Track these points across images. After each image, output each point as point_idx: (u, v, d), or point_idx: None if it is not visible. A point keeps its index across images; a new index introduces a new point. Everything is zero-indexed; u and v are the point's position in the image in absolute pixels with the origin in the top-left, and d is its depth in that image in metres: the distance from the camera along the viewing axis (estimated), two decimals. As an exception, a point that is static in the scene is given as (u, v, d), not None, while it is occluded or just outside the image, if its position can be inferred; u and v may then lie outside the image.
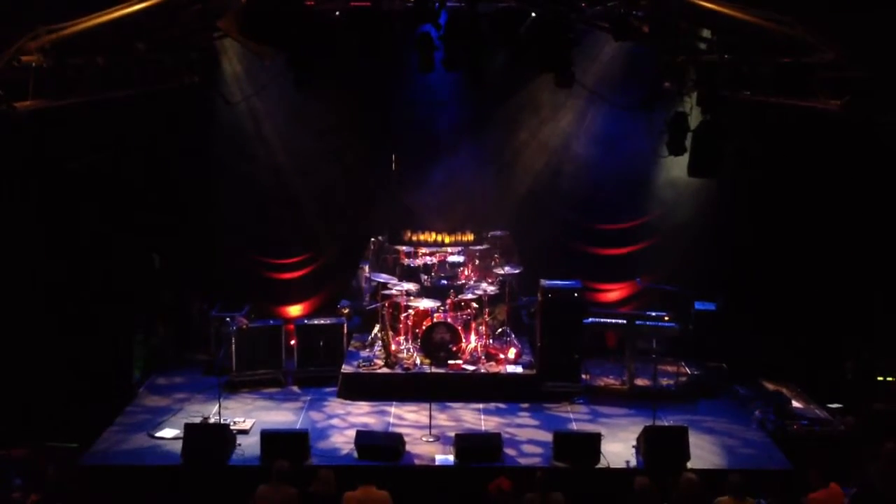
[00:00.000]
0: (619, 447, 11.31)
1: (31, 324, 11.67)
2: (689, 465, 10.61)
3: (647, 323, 13.35)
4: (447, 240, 15.07)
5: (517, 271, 14.32)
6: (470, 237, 15.16)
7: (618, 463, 10.80)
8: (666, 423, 11.84)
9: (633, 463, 10.87)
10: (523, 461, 11.05)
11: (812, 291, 13.00)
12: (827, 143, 11.55)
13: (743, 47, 9.83)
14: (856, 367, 12.47)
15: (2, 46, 8.09)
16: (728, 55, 10.29)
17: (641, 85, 12.36)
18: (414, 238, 15.06)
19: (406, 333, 13.76)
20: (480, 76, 11.08)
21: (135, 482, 10.32)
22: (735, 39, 9.91)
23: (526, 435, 11.85)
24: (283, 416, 12.40)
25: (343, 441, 11.51)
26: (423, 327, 13.44)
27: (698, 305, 13.95)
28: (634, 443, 11.30)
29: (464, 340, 13.48)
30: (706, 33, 10.67)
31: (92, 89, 9.58)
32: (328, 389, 13.26)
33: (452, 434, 11.35)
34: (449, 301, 13.75)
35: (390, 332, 13.66)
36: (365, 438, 11.19)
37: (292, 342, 13.78)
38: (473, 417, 12.43)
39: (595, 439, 11.06)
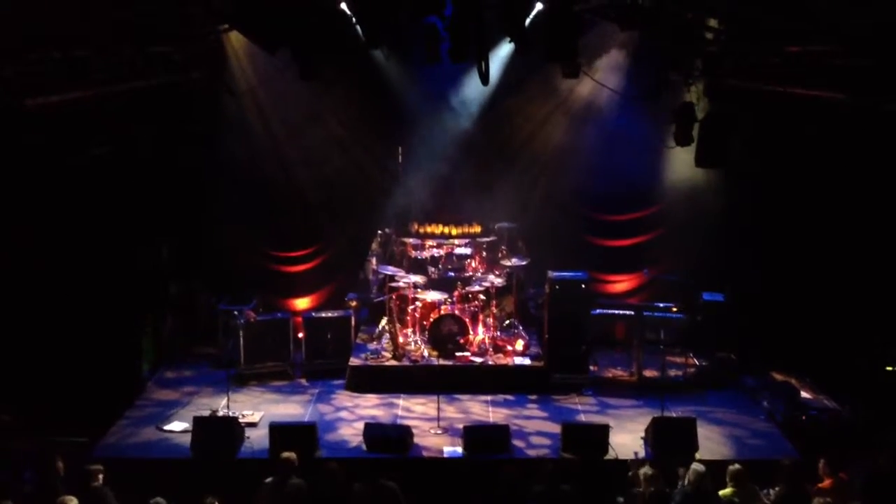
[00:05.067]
0: (628, 438, 11.30)
1: (39, 318, 11.69)
2: (698, 455, 10.59)
3: (655, 314, 13.35)
4: (454, 232, 15.06)
5: (524, 263, 14.31)
6: (477, 229, 15.14)
7: (626, 454, 10.79)
8: (674, 415, 11.83)
9: (642, 454, 10.85)
10: (532, 453, 11.05)
11: (820, 281, 12.96)
12: (835, 132, 11.49)
13: (749, 37, 9.80)
14: (870, 361, 12.43)
15: (7, 46, 8.09)
16: (734, 45, 10.25)
17: (648, 75, 12.33)
18: (421, 230, 15.05)
19: (414, 326, 13.75)
20: (486, 67, 11.06)
21: (144, 475, 10.34)
22: (741, 29, 9.88)
23: (534, 426, 11.85)
24: (291, 408, 12.42)
25: (351, 433, 11.52)
26: (431, 319, 13.43)
27: (706, 296, 13.90)
28: (643, 434, 11.29)
29: (471, 332, 13.47)
30: (713, 23, 10.63)
31: (98, 83, 9.58)
32: (336, 382, 13.27)
33: (461, 426, 11.35)
34: (456, 293, 13.74)
35: (398, 325, 13.66)
36: (373, 431, 11.20)
37: (300, 335, 13.81)
38: (481, 409, 12.43)
39: (603, 431, 11.07)
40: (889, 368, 12.33)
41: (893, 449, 9.76)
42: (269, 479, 9.12)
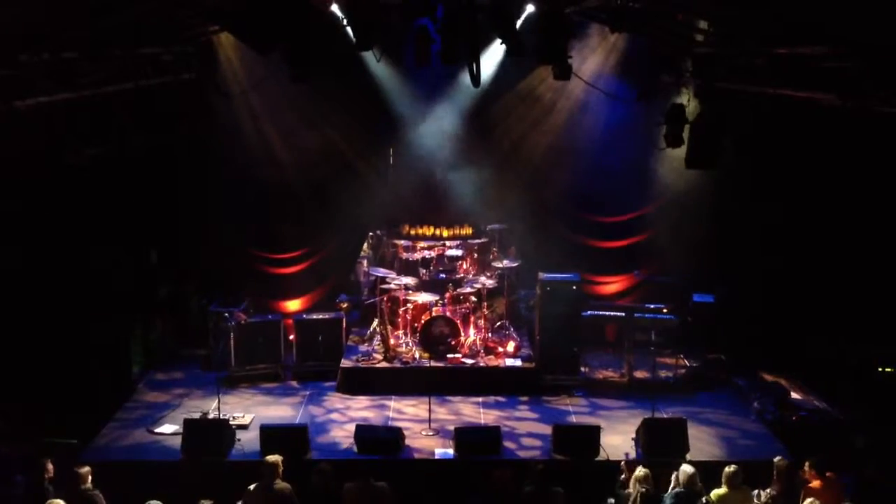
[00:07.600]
0: (619, 440, 11.32)
1: (29, 320, 11.64)
2: (689, 456, 10.60)
3: (646, 315, 13.37)
4: (445, 233, 15.07)
5: (515, 264, 14.33)
6: (468, 231, 15.15)
7: (617, 455, 10.80)
8: (665, 416, 11.84)
9: (633, 455, 10.87)
10: (523, 454, 11.05)
11: (811, 282, 12.99)
12: (826, 133, 11.52)
13: (739, 39, 9.82)
14: (861, 362, 12.45)
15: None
16: (725, 46, 10.27)
17: (639, 77, 12.34)
18: (412, 232, 15.04)
19: (405, 327, 13.75)
20: (478, 69, 11.06)
21: (134, 478, 10.31)
22: (731, 31, 9.90)
23: (525, 428, 11.85)
24: (282, 410, 12.40)
25: (343, 435, 11.52)
26: (422, 321, 13.43)
27: (696, 297, 13.96)
28: (634, 435, 11.31)
29: (463, 334, 13.47)
30: (703, 24, 10.66)
31: (88, 85, 9.55)
32: (327, 384, 13.26)
33: (452, 428, 11.35)
34: (448, 295, 13.75)
35: (389, 327, 13.66)
36: (364, 432, 11.19)
37: (291, 337, 13.78)
38: (473, 411, 12.44)
39: (594, 432, 11.09)
40: (880, 369, 12.36)
41: (879, 456, 9.80)
42: (252, 486, 9.05)
